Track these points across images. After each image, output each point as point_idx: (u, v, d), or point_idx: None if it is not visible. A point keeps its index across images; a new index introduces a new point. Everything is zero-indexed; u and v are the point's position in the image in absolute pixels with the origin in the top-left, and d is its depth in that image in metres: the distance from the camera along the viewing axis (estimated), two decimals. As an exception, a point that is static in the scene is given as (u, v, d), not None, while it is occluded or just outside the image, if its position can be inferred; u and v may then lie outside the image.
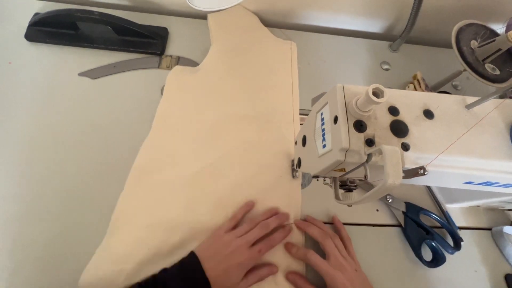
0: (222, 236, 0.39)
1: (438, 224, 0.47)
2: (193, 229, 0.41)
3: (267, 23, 0.62)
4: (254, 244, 0.39)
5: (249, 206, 0.44)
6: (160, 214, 0.42)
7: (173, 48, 0.57)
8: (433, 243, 0.44)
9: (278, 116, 0.52)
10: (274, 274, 0.40)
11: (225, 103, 0.52)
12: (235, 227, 0.41)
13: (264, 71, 0.56)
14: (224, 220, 0.43)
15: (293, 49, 0.60)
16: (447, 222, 0.47)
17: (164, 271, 0.36)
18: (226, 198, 0.44)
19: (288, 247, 0.42)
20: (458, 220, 0.48)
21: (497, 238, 0.47)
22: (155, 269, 0.37)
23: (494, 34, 0.48)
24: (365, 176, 0.26)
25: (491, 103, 0.31)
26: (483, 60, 0.45)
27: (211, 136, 0.49)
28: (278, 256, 0.42)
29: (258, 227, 0.40)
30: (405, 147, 0.27)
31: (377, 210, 0.48)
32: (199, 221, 0.42)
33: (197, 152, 0.47)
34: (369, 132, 0.27)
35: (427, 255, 0.45)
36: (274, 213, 0.44)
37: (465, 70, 0.45)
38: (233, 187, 0.45)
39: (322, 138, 0.30)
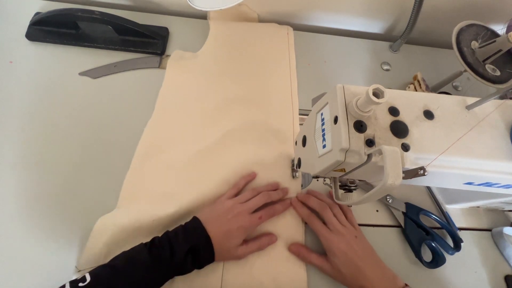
0: (224, 202, 0.40)
1: (438, 225, 0.47)
2: (197, 202, 0.43)
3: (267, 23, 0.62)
4: (255, 211, 0.40)
5: (251, 176, 0.45)
6: (165, 189, 0.44)
7: (174, 47, 0.57)
8: (433, 244, 0.44)
9: (277, 97, 0.54)
10: (274, 244, 0.42)
11: (225, 86, 0.53)
12: (236, 195, 0.43)
13: (262, 55, 0.58)
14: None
15: (290, 33, 0.61)
16: (447, 223, 0.47)
17: (168, 232, 0.37)
18: (228, 175, 0.45)
19: (294, 204, 0.44)
20: (458, 221, 0.48)
21: (497, 239, 0.47)
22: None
23: (495, 35, 0.48)
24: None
25: (492, 104, 0.31)
26: (483, 61, 0.45)
27: (212, 117, 0.50)
28: (279, 227, 0.43)
29: (260, 196, 0.42)
30: (405, 148, 0.27)
31: (377, 211, 0.48)
32: (202, 195, 0.43)
33: (199, 132, 0.49)
34: (369, 132, 0.27)
35: (427, 255, 0.44)
36: (275, 186, 0.45)
37: (465, 70, 0.45)
38: (235, 164, 0.46)
39: (322, 138, 0.30)
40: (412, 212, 0.46)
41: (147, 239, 0.36)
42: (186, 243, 0.35)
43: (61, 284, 0.31)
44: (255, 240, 0.40)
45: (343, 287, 0.40)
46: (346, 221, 0.41)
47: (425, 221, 0.46)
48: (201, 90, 0.53)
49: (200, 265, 0.36)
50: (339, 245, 0.38)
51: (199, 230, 0.36)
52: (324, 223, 0.41)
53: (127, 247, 0.35)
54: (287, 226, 0.43)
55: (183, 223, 0.38)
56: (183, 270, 0.35)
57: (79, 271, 0.38)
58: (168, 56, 0.56)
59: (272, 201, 0.43)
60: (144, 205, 0.42)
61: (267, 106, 0.53)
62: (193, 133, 0.49)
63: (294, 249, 0.41)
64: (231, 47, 0.58)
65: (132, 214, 0.41)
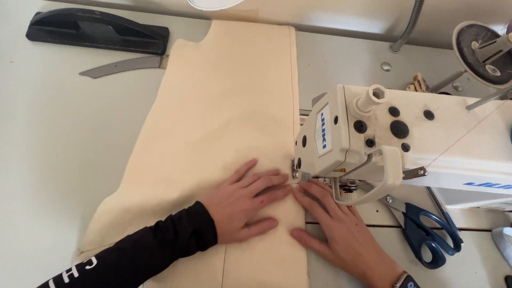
0: (226, 187, 0.41)
1: (438, 225, 0.47)
2: (199, 187, 0.44)
3: (269, 23, 0.62)
4: (257, 196, 0.41)
5: (252, 163, 0.46)
6: (167, 174, 0.45)
7: (174, 48, 0.57)
8: (433, 244, 0.44)
9: (277, 87, 0.55)
10: (275, 228, 0.42)
11: (227, 76, 0.55)
12: (238, 181, 0.43)
13: (263, 51, 0.58)
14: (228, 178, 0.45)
15: (291, 32, 0.62)
16: (447, 223, 0.47)
17: (171, 215, 0.37)
18: (229, 161, 0.46)
19: (295, 193, 0.45)
20: (458, 221, 0.48)
21: (497, 240, 0.47)
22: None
23: (495, 35, 0.48)
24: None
25: (492, 104, 0.31)
26: (483, 61, 0.45)
27: (214, 104, 0.51)
28: (280, 213, 0.44)
29: (261, 180, 0.42)
30: (405, 148, 0.27)
31: (377, 211, 0.48)
32: (204, 181, 0.44)
33: (201, 118, 0.50)
34: (369, 132, 0.27)
35: (427, 256, 0.44)
36: (276, 172, 0.46)
37: (465, 71, 0.45)
38: (236, 151, 0.47)
39: (322, 138, 0.30)
40: (412, 213, 0.46)
41: (151, 222, 0.37)
42: (190, 225, 0.35)
43: (67, 268, 0.31)
44: (257, 224, 0.41)
45: (343, 273, 0.41)
46: (347, 209, 0.42)
47: (425, 221, 0.46)
48: (204, 78, 0.54)
49: (203, 247, 0.37)
50: (340, 232, 0.39)
51: (202, 213, 0.37)
52: (326, 210, 0.42)
53: (130, 230, 0.36)
54: (288, 212, 0.44)
55: (186, 207, 0.39)
56: (187, 251, 0.36)
57: (82, 252, 0.38)
58: (168, 56, 0.56)
59: (273, 186, 0.43)
60: (147, 188, 0.43)
61: (268, 96, 0.54)
62: (195, 120, 0.50)
63: (296, 234, 0.42)
64: (233, 41, 0.59)
65: (136, 197, 0.42)
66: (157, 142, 0.47)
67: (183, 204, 0.42)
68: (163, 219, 0.37)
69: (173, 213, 0.38)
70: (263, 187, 0.42)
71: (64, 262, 0.38)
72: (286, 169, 0.48)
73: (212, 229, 0.36)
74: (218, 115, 0.51)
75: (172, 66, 0.54)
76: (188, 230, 0.35)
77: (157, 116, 0.49)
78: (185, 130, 0.49)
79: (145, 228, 0.36)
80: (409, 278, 0.36)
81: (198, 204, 0.39)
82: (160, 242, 0.34)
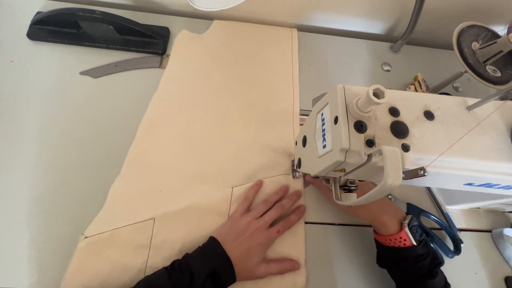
0: (240, 219, 0.40)
1: (439, 226, 0.47)
2: (202, 174, 0.45)
3: (269, 24, 0.62)
4: (271, 224, 0.41)
5: (258, 185, 0.46)
6: (169, 162, 0.46)
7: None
8: (432, 246, 0.44)
9: (278, 82, 0.56)
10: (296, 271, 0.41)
11: (229, 68, 0.56)
12: (249, 208, 0.43)
13: (265, 46, 0.59)
14: (229, 170, 0.46)
15: (294, 32, 0.62)
16: (447, 224, 0.47)
17: (187, 255, 0.37)
18: (231, 149, 0.48)
19: (308, 178, 0.46)
20: (458, 222, 0.48)
21: (497, 240, 0.47)
22: (165, 209, 0.41)
23: (496, 36, 0.48)
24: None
25: (492, 105, 0.31)
26: (484, 62, 0.45)
27: (216, 95, 0.53)
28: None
29: (274, 209, 0.42)
30: (405, 148, 0.27)
31: (377, 211, 0.47)
32: (204, 171, 0.46)
33: (203, 108, 0.51)
34: (369, 132, 0.27)
35: (427, 256, 0.44)
36: (285, 190, 0.46)
37: (466, 71, 0.45)
38: (238, 141, 0.49)
39: (322, 138, 0.30)
40: (413, 213, 0.46)
41: (155, 211, 0.39)
42: (205, 268, 0.35)
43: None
44: (277, 263, 0.40)
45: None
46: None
47: (425, 222, 0.46)
48: (206, 69, 0.55)
49: (222, 287, 0.36)
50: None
51: (218, 251, 0.36)
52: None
53: (139, 220, 0.39)
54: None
55: (189, 196, 0.40)
56: None
57: (86, 237, 0.39)
58: (168, 56, 0.56)
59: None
60: (148, 176, 0.44)
61: (269, 89, 0.55)
62: (197, 109, 0.51)
63: (309, 178, 0.45)
64: (235, 38, 0.59)
65: (138, 185, 0.43)
66: (159, 130, 0.48)
67: (185, 191, 0.43)
68: (166, 206, 0.37)
69: (175, 203, 0.38)
70: (278, 216, 0.41)
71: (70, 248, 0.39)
72: (286, 165, 0.48)
73: (230, 269, 0.35)
74: (220, 105, 0.51)
75: (175, 56, 0.55)
76: (203, 273, 0.34)
77: (159, 103, 0.50)
78: (186, 119, 0.50)
79: (162, 269, 0.35)
80: (413, 219, 0.38)
81: (213, 241, 0.38)
82: (175, 286, 0.33)
